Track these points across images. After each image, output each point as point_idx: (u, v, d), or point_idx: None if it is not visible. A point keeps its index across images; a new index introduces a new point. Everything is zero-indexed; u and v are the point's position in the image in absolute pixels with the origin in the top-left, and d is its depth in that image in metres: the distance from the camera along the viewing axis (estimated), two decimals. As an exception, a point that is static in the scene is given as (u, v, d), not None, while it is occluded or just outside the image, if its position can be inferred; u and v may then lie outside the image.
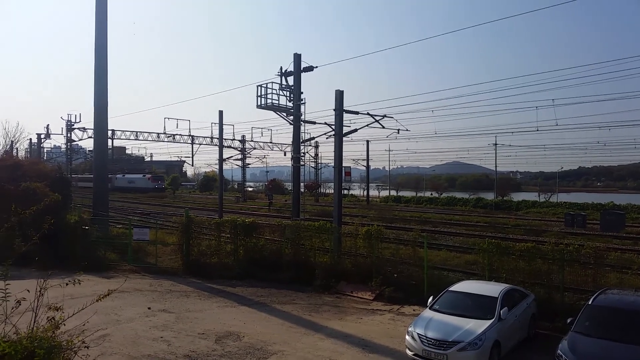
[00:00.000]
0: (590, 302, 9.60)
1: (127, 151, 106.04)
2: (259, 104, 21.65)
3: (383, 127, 23.62)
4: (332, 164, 21.45)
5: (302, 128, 21.82)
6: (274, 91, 21.63)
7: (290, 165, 23.11)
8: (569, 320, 9.46)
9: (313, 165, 69.35)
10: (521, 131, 55.26)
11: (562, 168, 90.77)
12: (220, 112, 36.13)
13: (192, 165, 71.15)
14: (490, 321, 9.67)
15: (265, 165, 74.31)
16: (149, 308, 13.67)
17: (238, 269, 17.87)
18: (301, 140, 22.05)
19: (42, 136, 63.32)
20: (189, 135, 52.12)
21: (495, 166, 74.86)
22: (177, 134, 52.24)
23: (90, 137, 38.83)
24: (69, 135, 52.67)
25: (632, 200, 58.68)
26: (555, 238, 23.77)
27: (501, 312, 9.85)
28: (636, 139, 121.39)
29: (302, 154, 22.43)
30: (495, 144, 67.95)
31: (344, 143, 20.48)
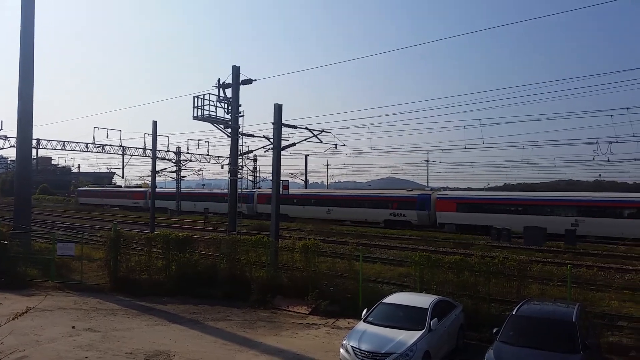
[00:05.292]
0: (514, 312, 10.08)
1: (53, 162, 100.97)
2: (195, 115, 21.20)
3: (321, 142, 23.94)
4: (270, 178, 21.38)
5: (240, 141, 21.58)
6: (212, 103, 21.24)
7: (227, 178, 22.77)
8: (494, 330, 9.86)
9: (251, 179, 68.68)
10: (451, 148, 57.67)
11: (488, 184, 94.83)
12: (154, 122, 35.12)
13: (123, 178, 68.10)
14: (421, 332, 9.92)
15: (201, 178, 72.76)
16: (73, 327, 12.90)
17: (170, 285, 17.28)
18: (239, 153, 21.80)
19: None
20: (120, 146, 49.97)
21: (427, 182, 77.58)
22: (107, 145, 49.95)
23: (13, 147, 36.40)
24: (-12, 143, 49.17)
25: (552, 216, 62.13)
26: (482, 251, 24.80)
27: (431, 323, 10.14)
28: (556, 157, 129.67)
29: (239, 167, 22.18)
30: (427, 161, 70.58)
31: (282, 157, 20.52)
